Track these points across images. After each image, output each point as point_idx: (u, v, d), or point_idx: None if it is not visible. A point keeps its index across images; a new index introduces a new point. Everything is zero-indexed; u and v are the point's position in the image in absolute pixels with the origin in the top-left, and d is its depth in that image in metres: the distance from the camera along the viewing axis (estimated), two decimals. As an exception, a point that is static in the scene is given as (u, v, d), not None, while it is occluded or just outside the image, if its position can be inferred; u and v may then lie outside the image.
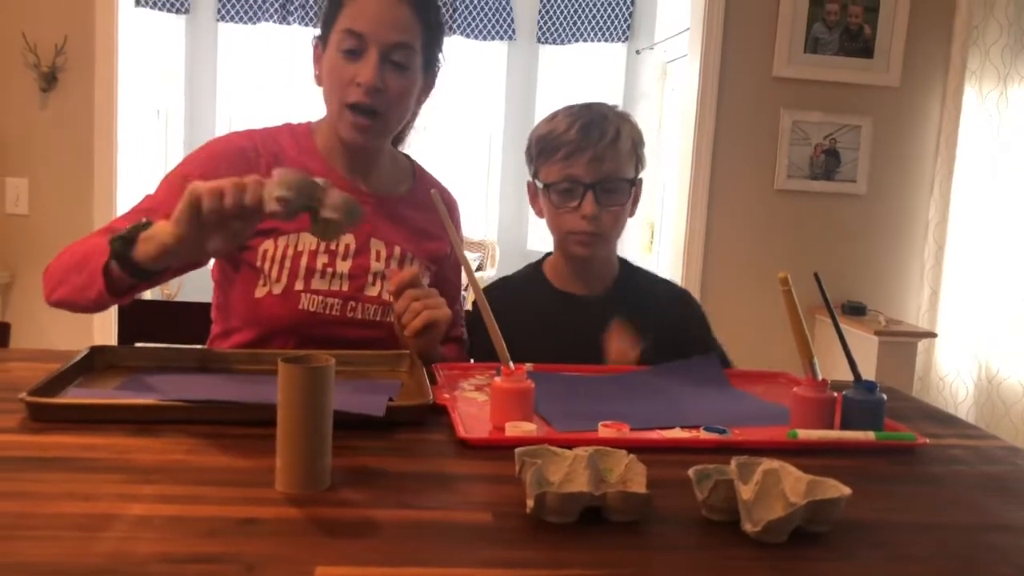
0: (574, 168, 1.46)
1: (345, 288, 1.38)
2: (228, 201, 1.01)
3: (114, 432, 0.93)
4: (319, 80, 1.42)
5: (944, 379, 3.39)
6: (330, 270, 1.37)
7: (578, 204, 1.47)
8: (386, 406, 1.00)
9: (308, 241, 1.37)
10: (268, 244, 1.37)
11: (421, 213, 1.50)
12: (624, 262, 1.63)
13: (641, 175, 1.55)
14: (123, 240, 1.12)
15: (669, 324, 1.55)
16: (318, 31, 1.42)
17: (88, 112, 2.96)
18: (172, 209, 1.08)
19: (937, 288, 3.33)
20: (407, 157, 1.58)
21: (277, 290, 1.35)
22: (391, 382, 1.20)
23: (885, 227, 3.38)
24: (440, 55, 1.46)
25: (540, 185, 1.54)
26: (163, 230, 1.08)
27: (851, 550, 0.76)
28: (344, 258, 1.39)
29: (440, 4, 1.45)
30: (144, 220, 1.14)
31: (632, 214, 1.56)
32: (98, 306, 1.23)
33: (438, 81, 1.48)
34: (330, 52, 1.36)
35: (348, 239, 1.40)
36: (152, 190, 1.40)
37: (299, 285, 1.35)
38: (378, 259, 1.42)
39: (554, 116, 1.52)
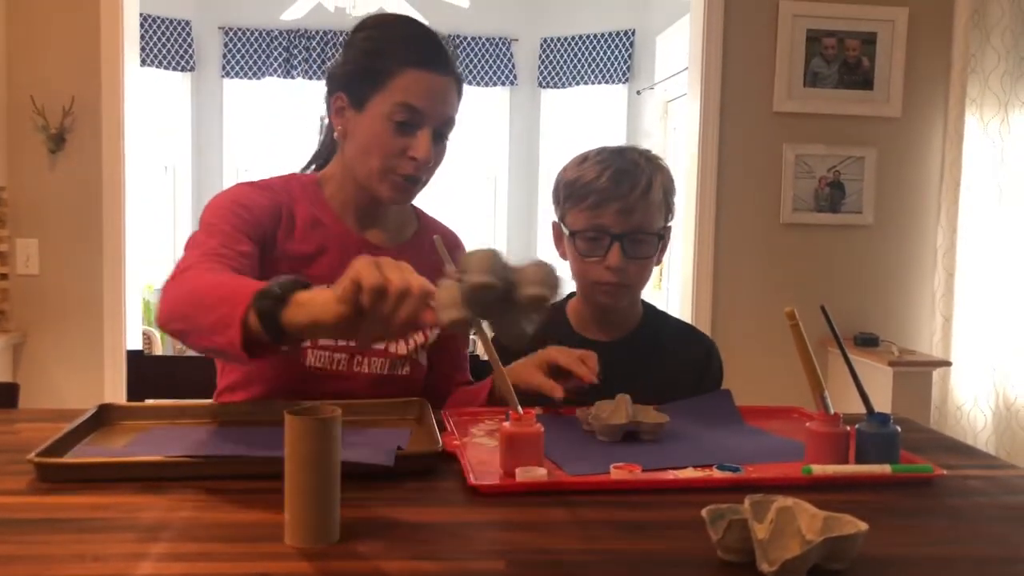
0: (602, 218, 1.42)
1: (352, 342, 1.36)
2: (386, 308, 0.92)
3: (122, 490, 0.93)
4: (343, 136, 1.39)
5: (962, 408, 3.35)
6: None
7: (604, 254, 1.43)
8: (395, 455, 0.99)
9: None
10: None
11: (428, 257, 1.49)
12: (649, 308, 1.58)
13: (670, 223, 1.50)
14: (274, 299, 0.99)
15: (685, 375, 1.52)
16: (325, 81, 1.42)
17: (96, 171, 2.99)
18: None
19: (949, 316, 3.31)
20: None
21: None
22: (400, 431, 1.19)
23: (894, 257, 3.37)
24: None
25: (567, 231, 1.50)
26: (322, 303, 0.96)
27: (871, 588, 0.75)
28: None
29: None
30: (297, 278, 1.03)
31: (659, 262, 1.52)
32: (221, 354, 1.13)
33: None
34: (375, 119, 1.34)
35: None
36: (189, 232, 1.36)
37: (306, 341, 1.32)
38: None
39: (584, 159, 1.47)
